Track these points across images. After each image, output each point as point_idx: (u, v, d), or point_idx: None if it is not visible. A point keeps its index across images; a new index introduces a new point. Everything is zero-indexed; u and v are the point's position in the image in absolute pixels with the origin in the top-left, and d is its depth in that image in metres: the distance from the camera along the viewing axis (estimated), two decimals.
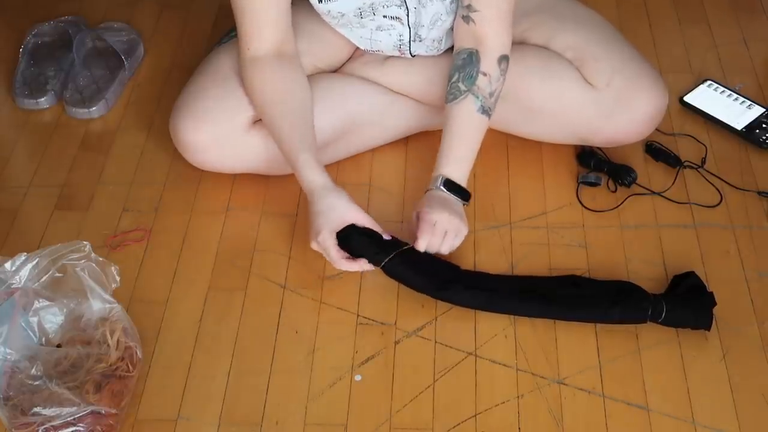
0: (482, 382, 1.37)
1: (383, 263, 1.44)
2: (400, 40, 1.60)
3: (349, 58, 1.70)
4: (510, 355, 1.40)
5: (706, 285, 1.44)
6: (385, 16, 1.56)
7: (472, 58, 1.52)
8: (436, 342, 1.42)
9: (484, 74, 1.52)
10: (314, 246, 1.44)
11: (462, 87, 1.52)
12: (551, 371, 1.38)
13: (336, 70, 1.69)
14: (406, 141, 1.74)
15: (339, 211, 1.43)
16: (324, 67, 1.67)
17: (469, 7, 1.52)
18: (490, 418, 1.33)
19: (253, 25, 1.53)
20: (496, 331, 1.43)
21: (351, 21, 1.57)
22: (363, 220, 1.45)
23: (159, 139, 1.75)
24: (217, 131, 1.56)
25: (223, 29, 1.89)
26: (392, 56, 1.66)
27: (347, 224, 1.43)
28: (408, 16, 1.55)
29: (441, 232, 1.46)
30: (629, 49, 1.63)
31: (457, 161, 1.52)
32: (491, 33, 1.52)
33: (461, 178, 1.51)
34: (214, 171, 1.63)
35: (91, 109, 1.81)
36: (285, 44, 1.55)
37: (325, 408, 1.34)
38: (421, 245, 1.45)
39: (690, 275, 1.45)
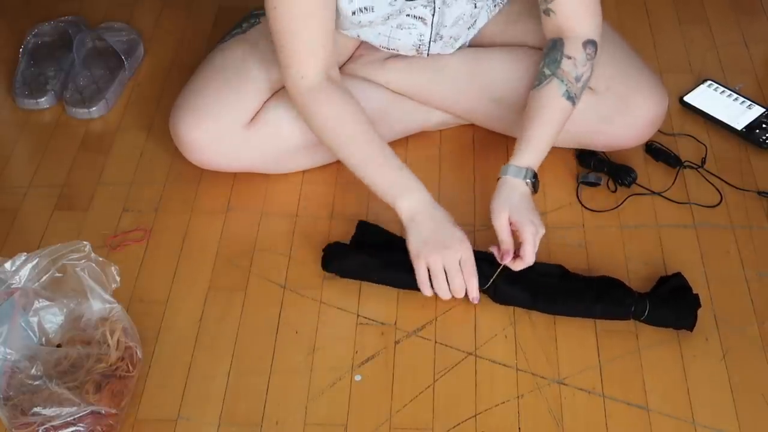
0: (482, 382, 1.37)
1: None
2: (420, 39, 1.59)
3: (350, 58, 1.70)
4: (510, 355, 1.40)
5: (692, 287, 1.44)
6: (408, 15, 1.54)
7: (556, 44, 1.50)
8: (436, 342, 1.42)
9: (569, 57, 1.48)
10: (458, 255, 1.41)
11: (546, 71, 1.48)
12: (551, 371, 1.38)
13: None
14: (406, 141, 1.73)
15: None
16: None
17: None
18: (490, 418, 1.33)
19: (305, 51, 1.46)
20: (496, 331, 1.43)
21: (375, 23, 1.56)
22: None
23: (159, 139, 1.75)
24: (217, 129, 1.56)
25: (223, 29, 1.89)
26: (392, 57, 1.66)
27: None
28: (433, 16, 1.54)
29: (538, 242, 1.41)
30: (630, 53, 1.63)
31: (537, 150, 1.46)
32: (575, 20, 1.49)
33: (537, 166, 1.46)
34: (214, 170, 1.63)
35: (91, 109, 1.81)
36: (332, 68, 1.51)
37: (325, 408, 1.34)
38: (530, 257, 1.40)
39: (676, 276, 1.45)
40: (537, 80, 1.50)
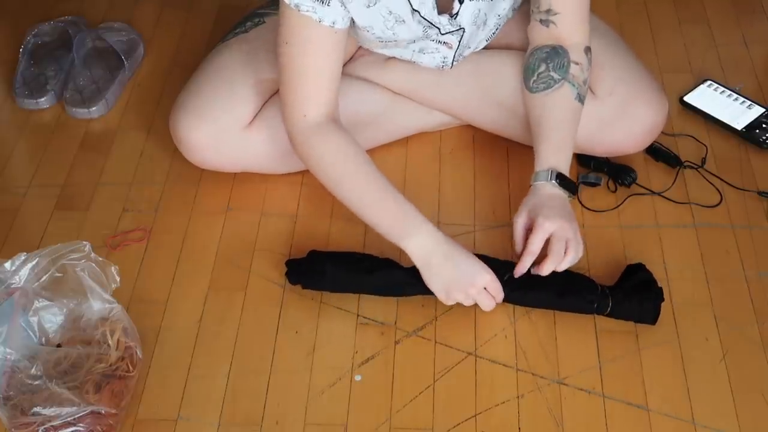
0: (482, 382, 1.37)
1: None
2: (443, 60, 1.59)
3: (351, 59, 1.70)
4: (510, 355, 1.40)
5: (657, 280, 1.44)
6: (433, 40, 1.54)
7: (558, 50, 1.51)
8: (436, 342, 1.42)
9: (576, 63, 1.50)
10: (475, 295, 1.39)
11: (555, 76, 1.50)
12: (551, 371, 1.38)
13: None
14: (406, 141, 1.74)
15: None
16: None
17: (548, 11, 1.50)
18: (490, 418, 1.33)
19: (311, 91, 1.44)
20: (496, 331, 1.43)
21: (398, 45, 1.56)
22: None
23: (159, 139, 1.75)
24: (217, 129, 1.56)
25: (223, 29, 1.89)
26: (393, 57, 1.66)
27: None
28: (460, 41, 1.54)
29: (562, 248, 1.37)
30: (632, 58, 1.63)
31: (561, 151, 1.45)
32: (572, 30, 1.51)
33: (566, 169, 1.45)
34: (214, 170, 1.63)
35: (91, 109, 1.81)
36: (335, 111, 1.49)
37: (325, 408, 1.35)
38: (548, 268, 1.37)
39: (641, 268, 1.45)
40: (543, 83, 1.50)
